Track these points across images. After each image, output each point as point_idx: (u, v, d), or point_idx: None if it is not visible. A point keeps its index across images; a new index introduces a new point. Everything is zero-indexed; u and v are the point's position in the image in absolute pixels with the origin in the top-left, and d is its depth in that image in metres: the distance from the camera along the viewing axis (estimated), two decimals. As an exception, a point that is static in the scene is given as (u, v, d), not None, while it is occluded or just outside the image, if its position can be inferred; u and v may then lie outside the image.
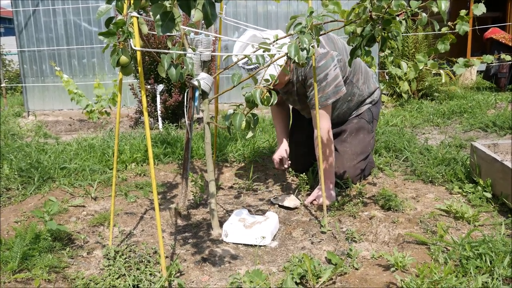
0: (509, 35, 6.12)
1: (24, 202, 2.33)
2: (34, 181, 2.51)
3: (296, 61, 1.65)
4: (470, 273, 1.38)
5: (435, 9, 1.56)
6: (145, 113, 1.38)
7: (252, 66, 2.05)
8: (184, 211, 2.20)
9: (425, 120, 3.91)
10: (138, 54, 1.39)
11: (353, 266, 1.58)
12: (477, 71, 7.24)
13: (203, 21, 1.95)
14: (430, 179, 2.38)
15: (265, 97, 1.63)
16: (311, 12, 1.74)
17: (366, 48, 1.58)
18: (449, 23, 5.08)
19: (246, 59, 2.02)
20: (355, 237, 1.83)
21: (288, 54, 1.62)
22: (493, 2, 6.04)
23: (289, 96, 2.42)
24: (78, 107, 4.80)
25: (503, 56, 5.20)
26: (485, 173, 2.15)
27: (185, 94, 1.99)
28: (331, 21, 1.77)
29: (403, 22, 1.60)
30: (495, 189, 2.06)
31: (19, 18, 5.32)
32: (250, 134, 1.70)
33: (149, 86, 4.04)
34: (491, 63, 5.47)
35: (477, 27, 6.47)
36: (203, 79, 1.92)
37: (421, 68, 3.61)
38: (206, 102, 1.96)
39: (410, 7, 1.52)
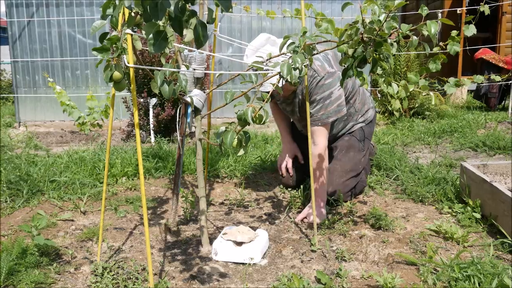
0: (499, 56, 6.22)
1: (12, 215, 2.30)
2: (23, 193, 2.48)
3: (289, 80, 1.66)
4: (459, 295, 1.39)
5: (425, 32, 1.59)
6: (137, 130, 1.38)
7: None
8: (174, 227, 2.19)
9: (416, 139, 3.94)
10: (131, 71, 1.40)
11: (343, 286, 1.58)
12: (468, 90, 7.34)
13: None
14: (420, 198, 2.39)
15: (257, 116, 1.63)
16: (304, 32, 1.76)
17: (358, 69, 1.60)
18: (441, 43, 5.17)
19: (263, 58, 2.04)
20: (345, 256, 1.83)
21: (281, 73, 1.64)
22: (483, 23, 6.15)
23: (288, 106, 2.44)
24: (70, 118, 4.79)
25: (493, 76, 5.28)
26: (474, 194, 2.16)
27: (178, 110, 1.99)
28: (324, 41, 1.79)
29: (394, 44, 1.63)
30: (484, 210, 2.08)
31: (13, 28, 5.32)
32: (241, 152, 1.70)
33: (142, 100, 4.04)
34: (481, 83, 5.54)
35: (467, 48, 6.58)
36: (196, 96, 1.92)
37: (411, 90, 3.63)
38: (198, 118, 1.97)
39: (401, 30, 1.54)
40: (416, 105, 5.44)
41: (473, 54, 6.35)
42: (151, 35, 1.03)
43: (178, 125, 2.01)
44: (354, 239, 2.00)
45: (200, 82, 1.99)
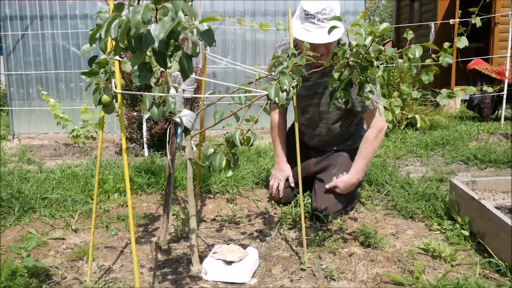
0: (491, 67, 6.28)
1: (3, 234, 2.30)
2: (15, 211, 2.48)
3: (277, 102, 1.68)
4: (444, 318, 1.40)
5: (410, 55, 1.61)
6: (124, 155, 1.39)
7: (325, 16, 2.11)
8: (165, 245, 2.19)
9: (409, 151, 3.96)
10: (119, 96, 1.41)
11: (330, 308, 1.59)
12: (462, 100, 7.39)
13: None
14: (410, 214, 2.40)
15: (245, 138, 1.65)
16: (293, 54, 1.78)
17: (345, 91, 1.62)
18: (433, 55, 5.20)
19: (322, 9, 2.11)
20: (334, 276, 1.84)
21: (268, 95, 1.66)
22: (476, 33, 6.20)
23: (309, 91, 2.40)
24: (64, 131, 4.79)
25: (485, 88, 5.34)
26: (463, 211, 2.18)
27: (168, 130, 2.00)
28: (312, 62, 1.81)
29: (381, 66, 1.65)
30: (472, 227, 2.09)
31: (8, 41, 5.33)
32: (229, 173, 1.71)
33: (135, 113, 4.05)
34: (474, 94, 5.60)
35: (460, 59, 6.64)
36: (185, 116, 1.94)
37: (397, 112, 3.63)
38: (188, 138, 1.98)
39: (387, 54, 1.56)
40: (410, 116, 5.49)
41: (466, 65, 6.41)
42: (136, 67, 1.04)
43: (168, 144, 2.02)
44: (344, 257, 2.01)
45: (189, 102, 2.01)
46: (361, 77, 1.56)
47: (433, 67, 5.21)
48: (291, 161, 2.60)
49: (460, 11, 7.26)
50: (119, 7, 1.09)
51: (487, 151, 3.56)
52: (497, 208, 2.16)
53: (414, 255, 1.95)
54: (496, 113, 6.06)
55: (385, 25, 1.48)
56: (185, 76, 1.03)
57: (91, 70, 1.60)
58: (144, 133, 4.03)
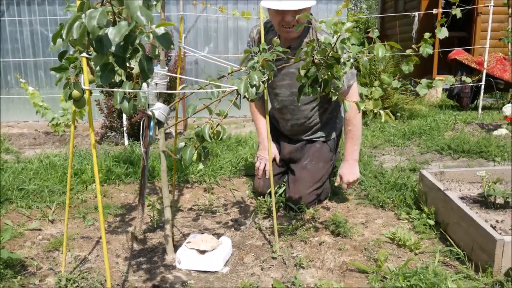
0: (471, 57, 6.37)
1: (-21, 225, 2.32)
2: (-9, 202, 2.50)
3: (247, 96, 1.72)
4: (402, 304, 1.47)
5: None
6: (94, 151, 1.42)
7: None
8: (140, 235, 2.23)
9: (386, 141, 4.03)
10: (87, 93, 1.43)
11: (296, 296, 1.65)
12: (443, 89, 7.49)
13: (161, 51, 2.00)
14: (381, 204, 2.48)
15: (214, 132, 1.69)
16: (263, 49, 1.81)
17: (312, 88, 1.66)
18: (413, 46, 5.27)
19: None
20: (303, 264, 1.90)
21: (238, 91, 1.69)
22: (459, 22, 6.27)
23: (280, 71, 2.39)
24: (44, 119, 4.76)
25: (464, 78, 5.43)
26: (430, 201, 2.26)
27: (142, 123, 2.03)
28: (281, 58, 1.85)
29: (348, 63, 1.69)
30: (438, 217, 2.17)
31: (-16, 28, 5.26)
32: (200, 166, 1.75)
33: (115, 102, 4.05)
34: (453, 84, 5.68)
35: (441, 50, 6.71)
36: (158, 109, 1.96)
37: (377, 110, 3.69)
38: (161, 131, 2.01)
39: (351, 52, 1.60)
40: (391, 105, 5.56)
41: (447, 55, 6.49)
42: (98, 67, 1.07)
43: (142, 138, 2.05)
44: (314, 246, 2.08)
45: (162, 96, 2.03)
46: (328, 74, 1.60)
47: (413, 57, 5.29)
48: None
49: (443, 1, 7.33)
50: (82, 7, 1.11)
51: (461, 141, 3.65)
52: (462, 198, 2.25)
53: (380, 244, 2.03)
54: (475, 102, 6.17)
55: (349, 24, 1.52)
56: (145, 77, 1.07)
57: (60, 65, 1.62)
58: (124, 122, 4.04)
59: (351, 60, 1.66)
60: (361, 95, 5.55)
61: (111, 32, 0.91)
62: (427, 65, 7.74)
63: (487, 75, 5.82)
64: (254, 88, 1.70)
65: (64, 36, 1.04)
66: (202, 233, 2.19)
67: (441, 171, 2.44)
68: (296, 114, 2.54)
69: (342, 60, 1.64)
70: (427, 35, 5.02)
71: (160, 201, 2.44)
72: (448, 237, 2.01)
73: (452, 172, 2.45)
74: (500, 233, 1.85)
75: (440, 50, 6.97)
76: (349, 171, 2.45)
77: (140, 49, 1.00)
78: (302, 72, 1.61)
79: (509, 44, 4.54)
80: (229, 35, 5.48)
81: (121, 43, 0.95)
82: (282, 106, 2.54)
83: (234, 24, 5.45)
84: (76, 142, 4.26)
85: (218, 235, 2.22)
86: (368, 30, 11.29)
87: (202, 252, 1.97)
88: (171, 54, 4.47)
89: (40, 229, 2.31)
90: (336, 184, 2.51)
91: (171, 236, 2.06)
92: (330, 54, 1.57)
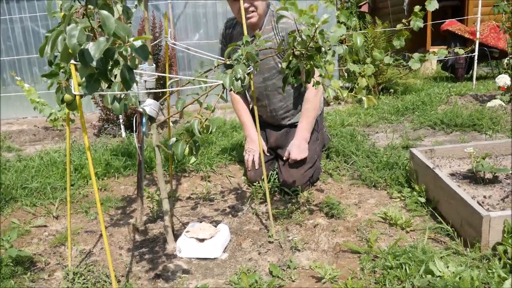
0: (464, 27, 6.34)
1: (-15, 225, 2.40)
2: (-4, 202, 2.57)
3: (232, 90, 1.76)
4: (390, 283, 1.55)
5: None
6: (89, 154, 1.47)
7: None
8: (141, 226, 2.31)
9: (380, 118, 4.08)
10: (78, 98, 1.48)
11: (291, 278, 1.73)
12: (438, 60, 7.48)
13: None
14: (373, 184, 2.54)
15: (204, 126, 1.74)
16: (247, 41, 1.85)
17: (295, 78, 1.70)
18: (404, 20, 5.26)
19: None
20: (298, 247, 1.98)
21: (223, 84, 1.74)
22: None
23: (266, 69, 2.49)
24: (42, 114, 4.81)
25: (457, 49, 5.42)
26: (421, 179, 2.32)
27: (134, 119, 2.08)
28: (264, 49, 1.89)
29: (330, 52, 1.73)
30: (428, 194, 2.24)
31: (-24, 27, 5.27)
32: (193, 159, 1.82)
33: (111, 95, 4.09)
34: (446, 56, 5.69)
35: (432, 22, 6.67)
36: (149, 105, 2.01)
37: (365, 88, 3.78)
38: (154, 126, 2.07)
39: (330, 41, 1.64)
40: (385, 80, 5.58)
41: (439, 27, 6.46)
42: (84, 78, 1.12)
43: (135, 133, 2.10)
44: (309, 228, 2.16)
45: (152, 93, 2.08)
46: (310, 64, 1.64)
47: (404, 32, 5.29)
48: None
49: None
50: (65, 19, 1.16)
51: (453, 115, 3.70)
52: (452, 174, 2.31)
53: (372, 224, 2.10)
54: (470, 73, 6.17)
55: (325, 16, 1.55)
56: (127, 86, 1.12)
57: (51, 71, 1.66)
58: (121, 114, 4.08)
59: (333, 49, 1.70)
60: (353, 72, 5.56)
61: (91, 48, 0.96)
62: (421, 37, 7.72)
63: (481, 44, 5.81)
64: (239, 81, 1.75)
65: (49, 50, 1.08)
66: (200, 222, 2.27)
67: (431, 149, 2.49)
68: (272, 99, 2.62)
69: (323, 49, 1.68)
70: (417, 8, 5.00)
71: (159, 192, 2.51)
72: (438, 214, 2.08)
73: (442, 149, 2.51)
74: (488, 208, 1.92)
75: (432, 22, 6.94)
76: (296, 149, 2.50)
77: (120, 60, 1.04)
78: (284, 64, 1.65)
79: (503, 13, 4.52)
80: (218, 20, 5.47)
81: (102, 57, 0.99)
82: (258, 94, 2.62)
83: (223, 8, 5.43)
84: (75, 137, 4.32)
85: (216, 222, 2.30)
86: (360, 4, 11.10)
87: (201, 240, 2.05)
88: (161, 45, 4.49)
89: (45, 226, 2.39)
90: (284, 158, 2.56)
91: (171, 226, 2.14)
92: (310, 45, 1.61)
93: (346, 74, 5.69)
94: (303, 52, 1.58)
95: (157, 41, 2.60)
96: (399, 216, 2.07)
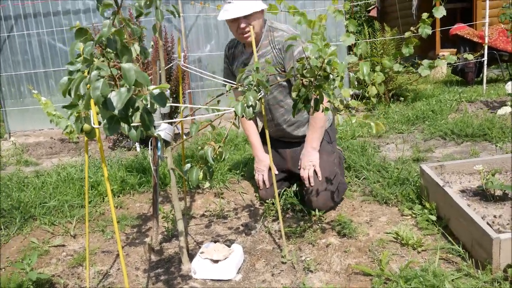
0: (473, 31, 6.32)
1: (7, 245, 2.47)
2: (16, 221, 2.65)
3: (244, 116, 1.81)
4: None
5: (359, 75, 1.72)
6: (107, 184, 1.53)
7: None
8: (157, 246, 2.37)
9: (391, 127, 4.10)
10: (97, 131, 1.54)
11: (304, 301, 1.77)
12: (448, 64, 7.45)
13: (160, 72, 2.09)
14: (384, 200, 2.57)
15: (217, 153, 1.79)
16: (257, 68, 1.90)
17: (305, 106, 1.74)
18: (412, 28, 5.27)
19: None
20: (311, 268, 2.02)
21: (236, 112, 1.78)
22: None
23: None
24: (59, 126, 4.91)
25: (466, 55, 5.41)
26: (431, 196, 2.35)
27: (149, 142, 2.14)
28: (274, 74, 1.93)
29: (338, 78, 1.76)
30: (439, 212, 2.26)
31: (-6, 42, 5.41)
32: (207, 184, 1.87)
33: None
34: (455, 62, 5.68)
35: (440, 28, 6.65)
36: (164, 130, 2.07)
37: (376, 94, 3.76)
38: (168, 150, 2.12)
39: (339, 70, 1.67)
40: (395, 87, 5.58)
41: (448, 31, 6.44)
42: (105, 120, 1.17)
43: (151, 157, 2.16)
44: (321, 248, 2.19)
45: (167, 117, 2.13)
46: (318, 92, 1.68)
47: (413, 39, 5.30)
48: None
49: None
50: (87, 63, 1.22)
51: (464, 125, 3.70)
52: (463, 191, 2.33)
53: (384, 244, 2.13)
54: (480, 76, 6.15)
55: (332, 48, 1.58)
56: (146, 128, 1.17)
57: (71, 103, 1.72)
58: (134, 128, 4.16)
59: (340, 76, 1.74)
60: (363, 80, 5.57)
61: (113, 98, 1.01)
62: (431, 40, 7.69)
63: (490, 47, 5.79)
64: (251, 108, 1.79)
65: (72, 94, 1.14)
66: (215, 242, 2.32)
67: (441, 165, 2.51)
68: (275, 113, 2.63)
69: (331, 76, 1.71)
70: (425, 15, 4.99)
71: (173, 211, 2.56)
72: (449, 233, 2.10)
73: (452, 165, 2.53)
74: (498, 228, 1.94)
75: (441, 26, 6.92)
76: (305, 158, 2.51)
77: (140, 105, 1.10)
78: (294, 94, 1.69)
79: (510, 20, 4.51)
80: (229, 31, 5.51)
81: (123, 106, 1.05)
82: (271, 115, 2.64)
83: (234, 18, 5.48)
84: (90, 150, 4.40)
85: (230, 242, 2.35)
86: (369, 8, 11.09)
87: (215, 261, 2.10)
88: (173, 58, 4.56)
89: (63, 245, 2.46)
90: (298, 168, 2.57)
91: (186, 247, 2.19)
92: (319, 74, 1.65)
93: (355, 82, 5.70)
94: (312, 81, 1.62)
95: (171, 64, 2.67)
96: (410, 235, 2.09)
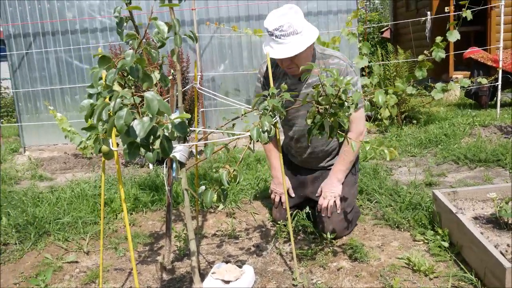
0: (487, 54, 6.33)
1: (21, 260, 2.51)
2: (31, 236, 2.69)
3: (260, 141, 1.84)
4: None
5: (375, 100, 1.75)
6: (124, 206, 1.56)
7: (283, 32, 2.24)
8: (169, 265, 2.38)
9: (403, 150, 4.10)
10: (115, 154, 1.58)
11: (315, 327, 1.77)
12: (461, 86, 7.45)
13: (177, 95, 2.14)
14: (396, 225, 2.56)
15: (232, 176, 1.82)
16: (273, 93, 1.93)
17: (320, 133, 1.77)
18: (425, 51, 5.31)
19: (280, 26, 2.24)
20: (322, 292, 2.02)
21: (251, 137, 1.82)
22: (475, 16, 6.23)
23: (299, 107, 2.41)
24: (73, 142, 5.00)
25: (480, 79, 5.42)
26: (444, 222, 2.34)
27: (164, 163, 2.18)
28: (288, 99, 1.96)
29: (352, 106, 1.79)
30: (452, 238, 2.25)
31: (13, 58, 5.55)
32: (221, 206, 1.90)
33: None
34: (469, 86, 5.68)
35: (452, 53, 6.66)
36: (179, 151, 2.11)
37: (388, 116, 3.81)
38: (183, 171, 2.15)
39: (353, 98, 1.70)
40: (408, 109, 5.59)
41: (460, 54, 6.46)
42: (125, 145, 1.21)
43: (166, 177, 2.20)
44: (333, 271, 2.19)
45: (182, 139, 2.18)
46: (333, 120, 1.71)
47: (426, 62, 5.36)
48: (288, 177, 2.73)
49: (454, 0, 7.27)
50: (108, 90, 1.26)
51: (477, 150, 3.69)
52: (476, 218, 2.32)
53: (395, 270, 2.12)
54: (494, 99, 6.13)
55: (348, 78, 1.62)
56: (166, 155, 1.21)
57: (90, 125, 1.77)
58: (148, 145, 4.22)
59: (357, 104, 1.77)
60: (376, 103, 5.58)
61: (136, 126, 1.05)
62: (444, 62, 7.70)
63: (504, 71, 5.79)
64: (266, 133, 1.83)
65: (95, 120, 1.19)
66: (226, 262, 2.33)
67: (454, 191, 2.51)
68: (314, 142, 2.59)
69: (346, 104, 1.74)
70: (438, 39, 5.03)
71: (185, 230, 2.58)
72: (462, 260, 2.09)
73: (465, 191, 2.52)
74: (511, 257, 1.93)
75: (455, 48, 6.93)
76: (328, 187, 2.49)
77: (161, 134, 1.14)
78: (309, 121, 1.72)
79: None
80: (243, 50, 5.60)
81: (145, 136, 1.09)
82: (299, 136, 2.60)
83: (247, 39, 5.56)
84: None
85: (241, 262, 2.36)
86: (382, 30, 11.14)
87: (227, 282, 2.10)
88: (188, 77, 4.63)
89: (77, 262, 2.48)
90: (316, 195, 2.56)
91: (198, 267, 2.20)
92: (335, 102, 1.68)
93: (368, 104, 5.72)
94: (327, 108, 1.65)
95: (187, 87, 2.72)
96: (422, 262, 2.09)
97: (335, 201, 2.48)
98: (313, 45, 2.43)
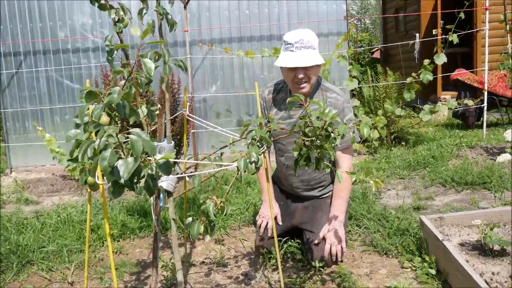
0: (473, 76, 6.44)
1: (3, 291, 2.46)
2: (13, 266, 2.64)
3: (247, 172, 1.84)
4: None
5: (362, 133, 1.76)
6: (109, 241, 1.54)
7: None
8: (155, 295, 2.35)
9: (392, 173, 4.12)
10: (101, 187, 1.57)
11: None
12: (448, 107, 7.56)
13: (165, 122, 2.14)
14: (385, 251, 2.56)
15: (219, 208, 1.81)
16: (260, 123, 1.94)
17: (306, 164, 1.77)
18: (413, 74, 5.39)
19: (301, 39, 2.33)
20: (310, 323, 2.00)
21: (238, 167, 1.81)
22: (462, 38, 6.34)
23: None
24: (61, 163, 4.95)
25: (466, 101, 5.50)
26: (431, 249, 2.34)
27: (151, 192, 2.16)
28: (274, 130, 1.97)
29: (338, 137, 1.80)
30: (438, 265, 2.26)
31: (2, 77, 5.52)
32: (207, 238, 1.88)
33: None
34: (456, 108, 5.76)
35: (440, 75, 6.77)
36: (166, 181, 2.10)
37: (378, 137, 3.81)
38: (171, 200, 2.14)
39: (339, 131, 1.72)
40: (397, 130, 5.64)
41: (449, 76, 6.57)
42: (110, 184, 1.20)
43: (152, 206, 2.18)
44: (321, 301, 2.18)
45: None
46: (319, 151, 1.71)
47: (414, 84, 5.43)
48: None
49: (442, 21, 7.41)
50: (96, 130, 1.26)
51: (464, 172, 3.72)
52: (462, 244, 2.33)
53: (383, 299, 2.12)
54: (481, 119, 6.22)
55: (334, 111, 1.63)
56: (150, 194, 1.20)
57: (76, 157, 1.76)
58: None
59: (343, 135, 1.78)
60: (362, 135, 5.62)
61: (120, 167, 1.05)
62: (432, 83, 7.82)
63: (490, 93, 5.90)
64: (253, 164, 1.83)
65: (80, 158, 1.18)
66: (213, 292, 2.30)
67: (441, 217, 2.52)
68: (307, 170, 2.55)
69: (332, 135, 1.75)
70: (426, 61, 5.11)
71: (173, 259, 2.55)
72: (449, 287, 2.09)
73: (452, 217, 2.53)
74: (496, 286, 1.93)
75: (442, 69, 7.04)
76: (333, 232, 2.42)
77: (143, 176, 1.13)
78: (295, 154, 1.73)
79: (508, 70, 4.61)
80: (235, 72, 5.64)
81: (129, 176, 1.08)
82: (291, 163, 2.57)
83: (239, 60, 5.61)
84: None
85: (229, 292, 2.33)
86: (373, 50, 11.31)
87: (214, 313, 2.08)
88: (179, 100, 4.64)
89: (61, 292, 2.44)
90: (316, 241, 2.45)
91: (184, 297, 2.17)
92: (320, 134, 1.69)
93: (354, 136, 5.78)
94: (313, 140, 1.66)
95: (176, 114, 2.73)
96: (410, 291, 2.08)
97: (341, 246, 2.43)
98: (320, 70, 2.53)
